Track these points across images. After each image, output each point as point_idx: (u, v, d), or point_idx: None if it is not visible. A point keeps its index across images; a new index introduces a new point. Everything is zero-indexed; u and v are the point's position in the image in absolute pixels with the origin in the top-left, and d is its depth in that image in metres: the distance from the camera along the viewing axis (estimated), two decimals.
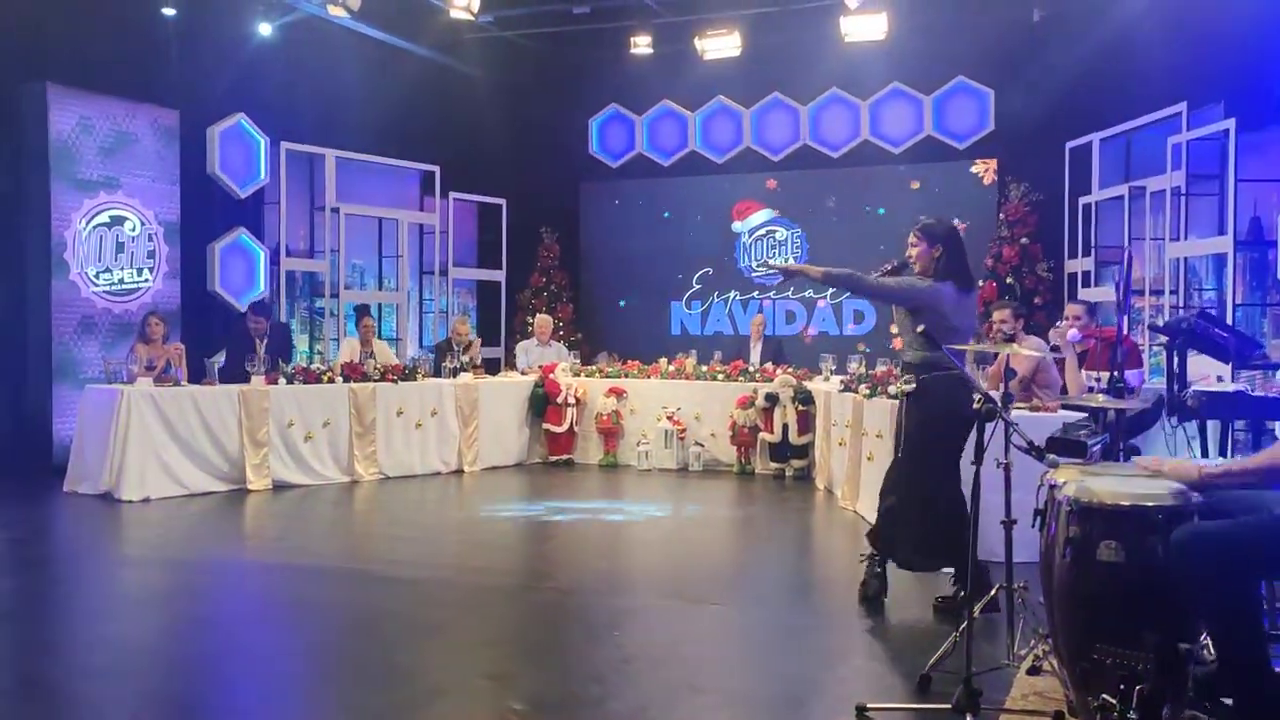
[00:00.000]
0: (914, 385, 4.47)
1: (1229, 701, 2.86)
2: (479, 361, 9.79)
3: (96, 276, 9.03)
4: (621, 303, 12.54)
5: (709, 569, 5.74)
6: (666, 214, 12.37)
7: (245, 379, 7.88)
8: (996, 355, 5.45)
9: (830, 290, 11.14)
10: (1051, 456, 3.32)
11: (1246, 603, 2.86)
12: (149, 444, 7.33)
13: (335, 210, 10.71)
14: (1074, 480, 3.10)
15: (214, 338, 9.26)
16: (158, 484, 7.36)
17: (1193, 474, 3.02)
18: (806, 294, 11.81)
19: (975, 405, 3.16)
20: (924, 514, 4.49)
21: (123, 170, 9.22)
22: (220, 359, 7.96)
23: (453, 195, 11.88)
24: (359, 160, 11.06)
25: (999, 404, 3.25)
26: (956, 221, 5.29)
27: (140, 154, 9.35)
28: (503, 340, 12.32)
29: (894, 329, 4.62)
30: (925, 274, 4.54)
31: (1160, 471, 3.08)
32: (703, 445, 9.21)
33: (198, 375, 7.92)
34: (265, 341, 8.42)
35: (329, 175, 10.70)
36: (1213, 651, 2.94)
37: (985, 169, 11.14)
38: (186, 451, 7.53)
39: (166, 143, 9.55)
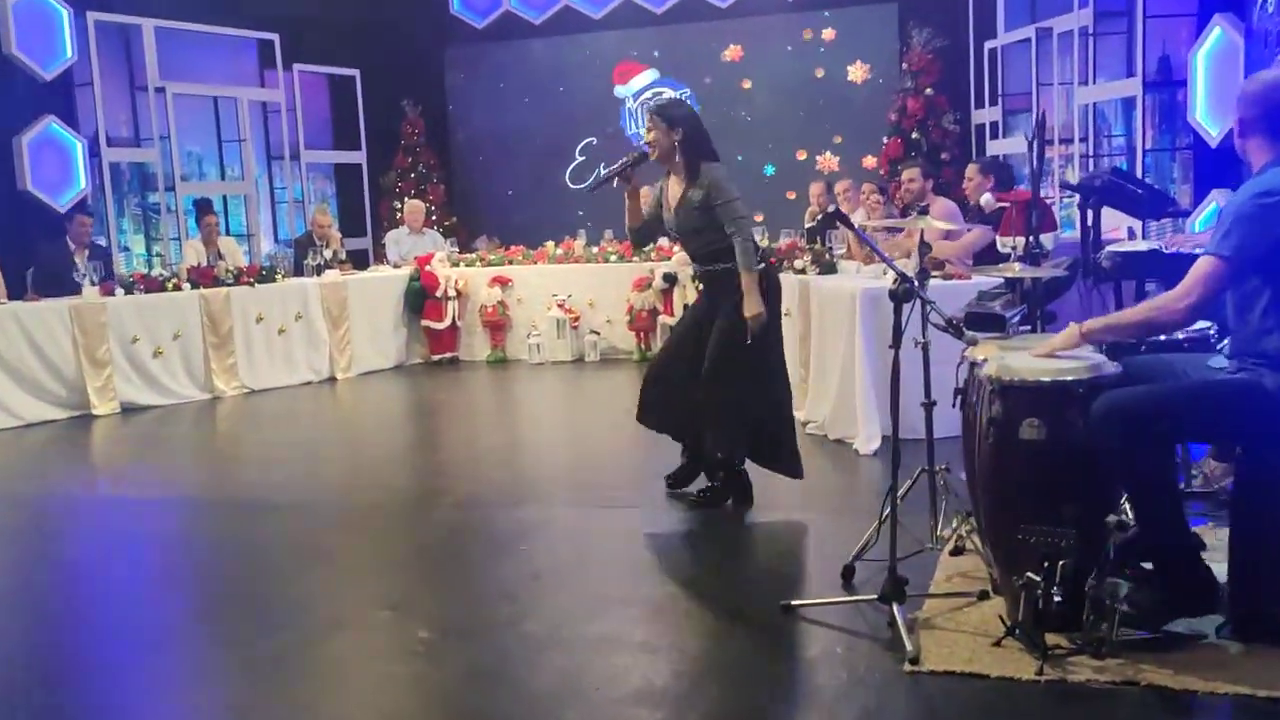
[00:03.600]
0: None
1: (1149, 565, 3.08)
2: (345, 256, 9.53)
3: None
4: (509, 191, 12.25)
5: (615, 469, 5.83)
6: (561, 88, 12.01)
7: (64, 293, 7.50)
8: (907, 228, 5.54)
9: None
10: (970, 334, 3.42)
11: (1163, 465, 3.07)
12: None
13: (160, 90, 10.08)
14: (994, 358, 3.21)
15: (31, 245, 8.74)
16: None
17: (1074, 336, 3.17)
18: None
19: (893, 287, 3.22)
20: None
21: None
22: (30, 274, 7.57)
23: (297, 68, 11.32)
24: (183, 30, 10.38)
25: (914, 282, 3.32)
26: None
27: None
28: (369, 230, 12.00)
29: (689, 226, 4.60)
30: (667, 159, 4.50)
31: (1052, 354, 3.19)
32: (599, 333, 9.24)
33: (17, 291, 7.52)
34: (87, 251, 8.01)
35: (149, 50, 10.03)
36: (1132, 518, 3.15)
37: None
38: (15, 378, 7.21)
39: None
